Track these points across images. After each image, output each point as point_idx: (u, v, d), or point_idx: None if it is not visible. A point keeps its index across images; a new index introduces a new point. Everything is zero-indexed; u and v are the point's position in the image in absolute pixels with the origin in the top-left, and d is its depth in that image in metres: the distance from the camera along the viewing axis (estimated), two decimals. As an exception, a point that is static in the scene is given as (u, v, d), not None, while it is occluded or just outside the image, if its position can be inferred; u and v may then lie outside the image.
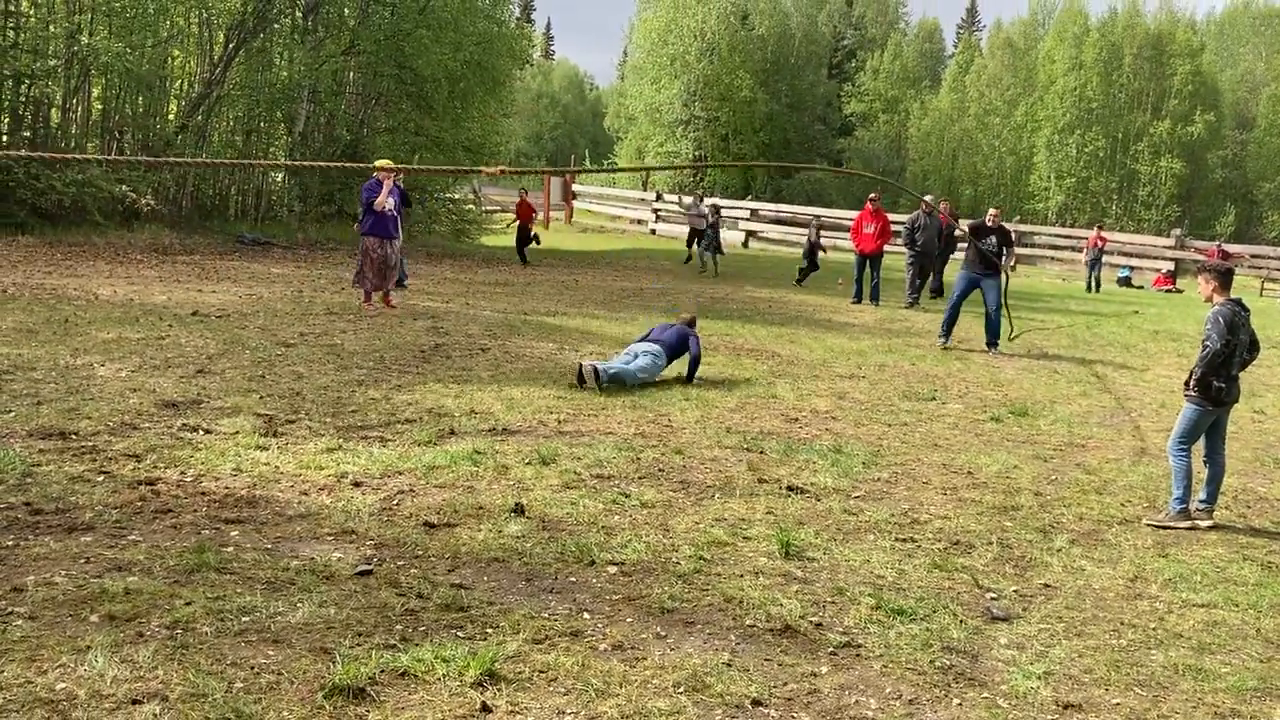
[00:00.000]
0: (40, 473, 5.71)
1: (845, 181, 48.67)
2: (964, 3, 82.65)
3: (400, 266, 15.41)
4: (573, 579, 4.82)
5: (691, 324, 10.08)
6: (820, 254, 20.48)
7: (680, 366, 9.83)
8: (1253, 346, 6.69)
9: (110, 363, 8.57)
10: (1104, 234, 27.08)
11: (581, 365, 9.09)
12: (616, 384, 9.07)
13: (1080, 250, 28.37)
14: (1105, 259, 26.81)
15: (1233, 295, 6.65)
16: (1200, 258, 26.96)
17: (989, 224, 13.14)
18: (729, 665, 4.07)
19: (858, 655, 4.27)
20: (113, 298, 12.12)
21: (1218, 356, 6.42)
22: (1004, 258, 13.05)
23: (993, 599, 5.00)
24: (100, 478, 5.72)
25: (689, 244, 24.47)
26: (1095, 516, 6.53)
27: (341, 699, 3.57)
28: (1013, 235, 13.58)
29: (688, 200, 26.34)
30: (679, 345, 9.72)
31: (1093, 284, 25.45)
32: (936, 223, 18.05)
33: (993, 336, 13.01)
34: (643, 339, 9.96)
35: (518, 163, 61.46)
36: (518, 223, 21.65)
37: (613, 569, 4.97)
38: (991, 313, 12.88)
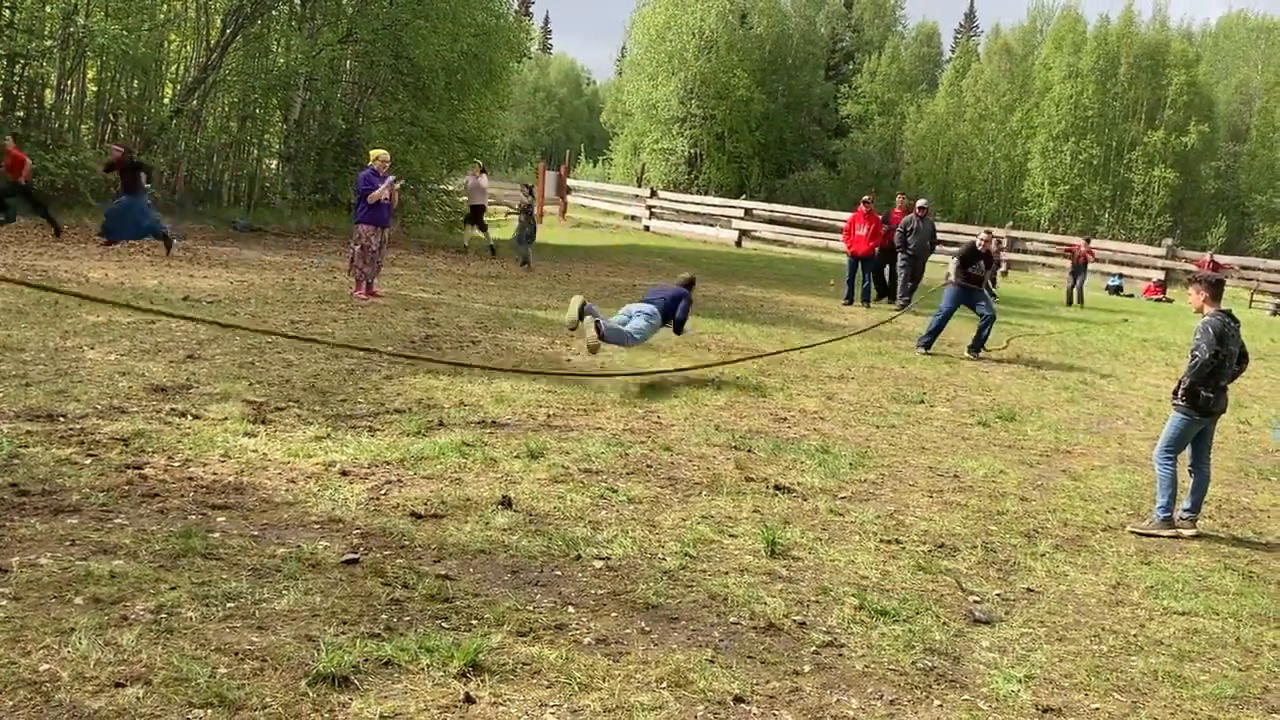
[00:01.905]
0: (27, 454, 5.70)
1: (839, 183, 48.74)
2: (962, 7, 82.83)
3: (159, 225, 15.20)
4: (558, 573, 4.84)
5: (690, 284, 10.06)
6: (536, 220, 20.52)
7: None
8: (1241, 358, 6.73)
9: (100, 346, 8.55)
10: (1093, 247, 26.52)
11: (583, 305, 8.92)
12: (614, 342, 9.04)
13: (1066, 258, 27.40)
14: (1092, 268, 26.33)
15: (1222, 306, 6.69)
16: (1191, 268, 27.07)
17: (980, 249, 13.00)
18: (712, 662, 4.08)
19: (840, 655, 4.30)
20: (104, 281, 12.08)
21: (1206, 367, 6.46)
22: (987, 278, 13.09)
23: (975, 602, 5.03)
24: (88, 460, 5.71)
25: (470, 221, 20.97)
26: (1079, 522, 6.57)
27: (325, 687, 3.58)
28: (998, 260, 13.44)
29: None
30: (673, 304, 9.71)
31: (1073, 296, 23.71)
32: (929, 226, 18.08)
33: (979, 342, 13.03)
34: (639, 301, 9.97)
35: (512, 157, 61.32)
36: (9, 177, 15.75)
37: (598, 564, 4.99)
38: (985, 319, 12.89)
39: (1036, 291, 26.16)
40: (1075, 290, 23.76)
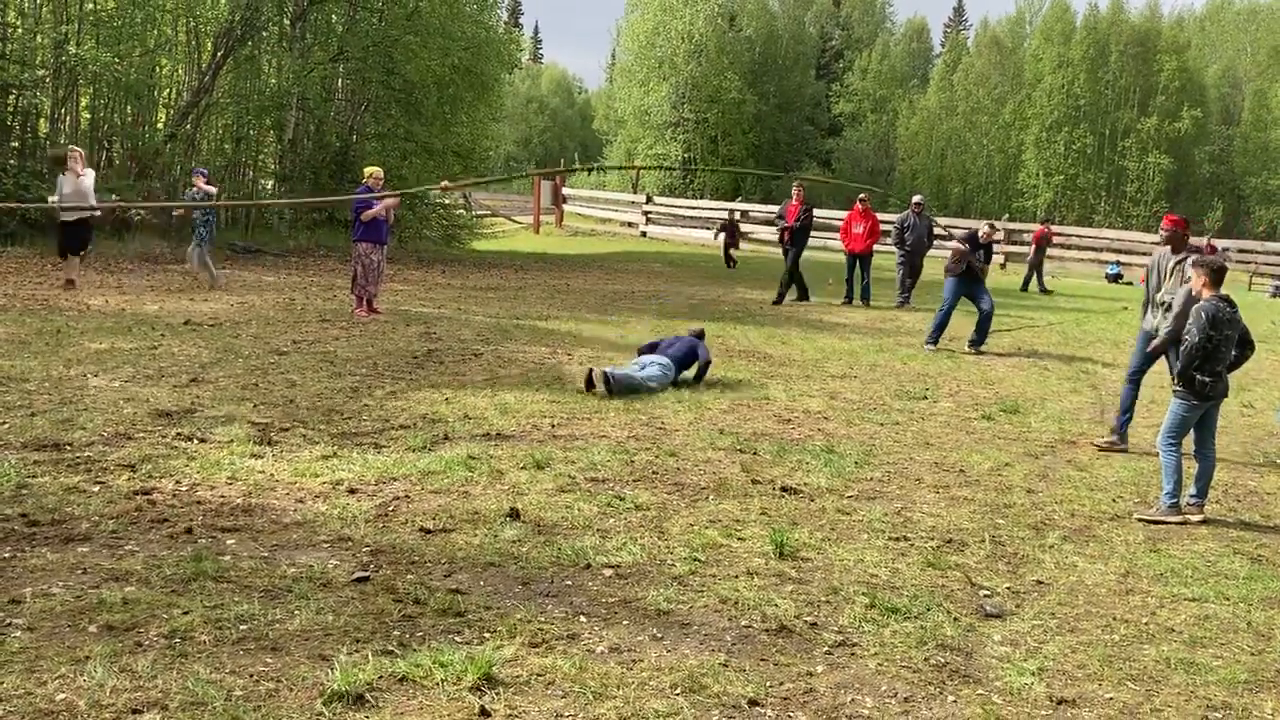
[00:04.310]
0: (36, 484, 5.72)
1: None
2: (951, 1, 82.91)
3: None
4: (569, 582, 4.85)
5: (700, 336, 10.12)
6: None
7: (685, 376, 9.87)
8: (1243, 343, 6.74)
9: (103, 373, 8.58)
10: (1051, 228, 26.08)
11: (591, 370, 9.08)
12: (627, 390, 9.05)
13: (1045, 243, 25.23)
14: (1089, 256, 26.02)
15: (1221, 292, 6.70)
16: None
17: (982, 240, 13.02)
18: (725, 666, 4.09)
19: (853, 654, 4.30)
20: (104, 308, 12.11)
21: (1197, 350, 6.48)
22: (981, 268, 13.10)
23: (986, 596, 5.04)
24: (96, 488, 5.73)
25: (68, 247, 13.35)
26: (1087, 513, 6.58)
27: (340, 705, 3.59)
28: (994, 252, 13.47)
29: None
30: (688, 357, 9.74)
31: (1031, 282, 23.28)
32: (926, 222, 18.10)
33: (981, 335, 13.03)
34: (649, 349, 9.96)
35: (508, 167, 61.38)
36: None
37: (608, 572, 5.00)
38: (985, 312, 12.91)
39: (1033, 282, 26.11)
40: (1033, 276, 23.48)
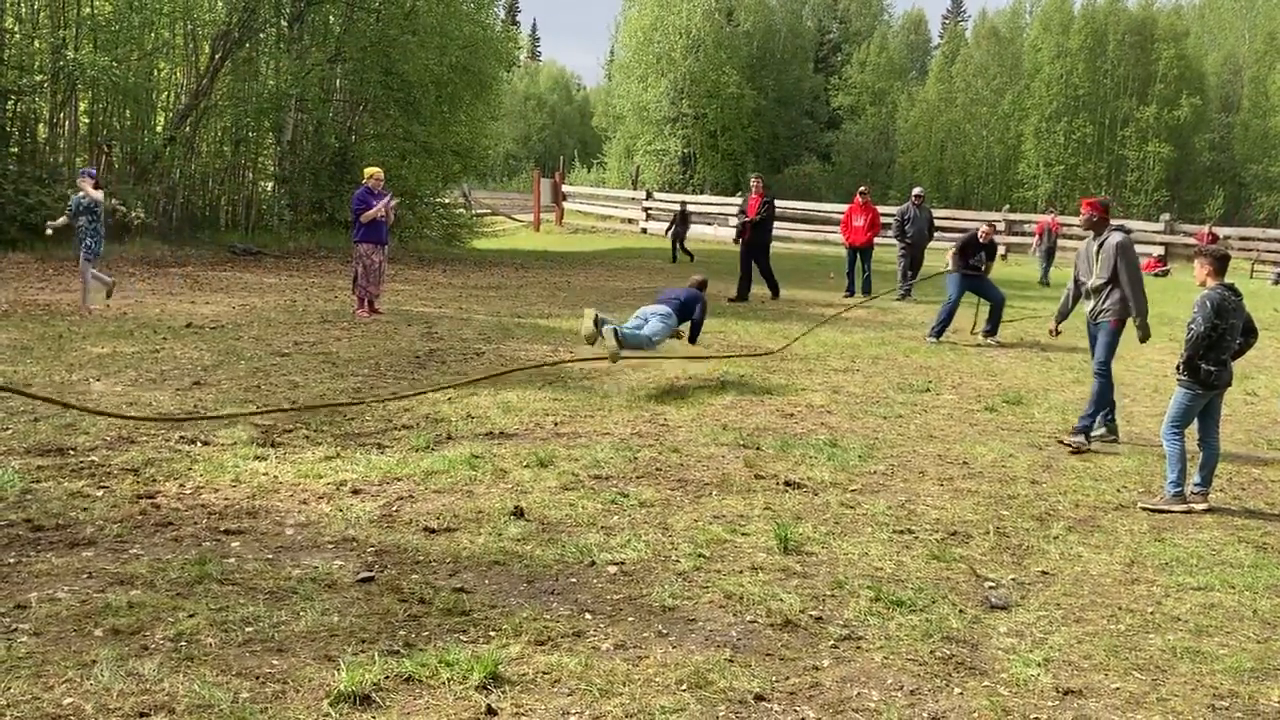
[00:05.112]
0: (40, 489, 5.72)
1: (834, 175, 48.75)
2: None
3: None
4: (574, 580, 4.85)
5: (702, 286, 10.03)
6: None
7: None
8: (1247, 331, 6.73)
9: (106, 377, 8.58)
10: (1058, 219, 26.06)
11: (596, 317, 8.79)
12: (633, 347, 8.94)
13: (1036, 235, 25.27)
14: (1073, 245, 25.90)
15: (1225, 280, 6.70)
16: (1191, 241, 27.04)
17: (981, 240, 13.02)
18: (731, 661, 4.09)
19: (858, 647, 4.30)
20: (105, 312, 12.11)
21: (1202, 340, 6.48)
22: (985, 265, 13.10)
23: (991, 588, 5.04)
24: (100, 492, 5.74)
25: None
26: (1091, 503, 6.57)
27: (347, 706, 3.60)
28: (997, 248, 13.49)
29: None
30: (689, 305, 9.64)
31: (1046, 276, 23.24)
32: (926, 214, 18.07)
33: (994, 325, 13.05)
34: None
35: (507, 166, 61.34)
36: None
37: (613, 569, 5.00)
38: (997, 302, 12.96)
39: (1035, 272, 26.08)
40: (1045, 269, 23.46)
